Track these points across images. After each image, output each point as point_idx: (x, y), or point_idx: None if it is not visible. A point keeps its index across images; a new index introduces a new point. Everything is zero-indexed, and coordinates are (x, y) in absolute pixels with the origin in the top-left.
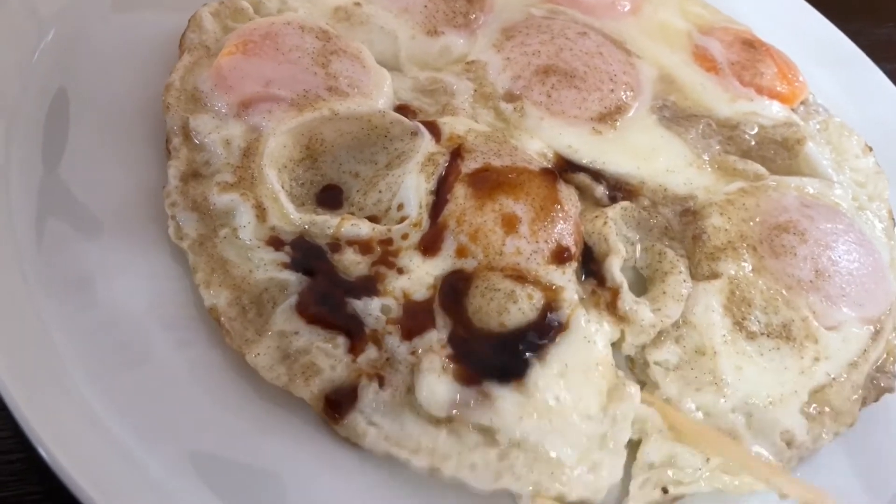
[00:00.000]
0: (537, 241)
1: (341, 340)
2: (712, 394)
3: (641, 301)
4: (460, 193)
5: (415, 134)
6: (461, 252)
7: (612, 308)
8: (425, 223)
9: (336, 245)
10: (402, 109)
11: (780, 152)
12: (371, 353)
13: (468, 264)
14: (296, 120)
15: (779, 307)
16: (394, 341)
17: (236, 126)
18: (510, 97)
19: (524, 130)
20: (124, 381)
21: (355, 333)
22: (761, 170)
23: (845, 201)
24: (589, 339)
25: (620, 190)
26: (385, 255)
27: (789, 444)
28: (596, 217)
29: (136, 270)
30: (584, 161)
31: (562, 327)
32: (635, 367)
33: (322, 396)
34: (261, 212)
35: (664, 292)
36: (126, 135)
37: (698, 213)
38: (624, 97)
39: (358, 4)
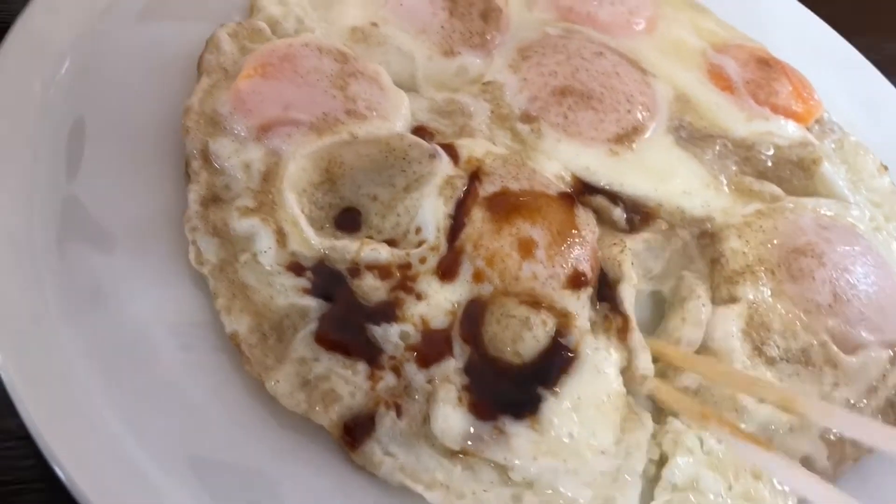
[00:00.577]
0: (554, 266)
1: (361, 367)
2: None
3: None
4: (477, 217)
5: (433, 156)
6: (478, 277)
7: (622, 335)
8: (443, 247)
9: (356, 270)
10: (420, 131)
11: (796, 173)
12: (390, 380)
13: (485, 290)
14: (315, 144)
15: (797, 332)
16: (412, 369)
17: (256, 150)
18: (527, 118)
19: (541, 152)
20: (144, 407)
21: (374, 360)
22: (778, 191)
23: (862, 222)
24: (599, 369)
25: (638, 213)
26: (404, 279)
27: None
28: (614, 245)
29: (156, 295)
30: (602, 183)
31: (572, 357)
32: None
33: (341, 424)
34: (281, 237)
35: (683, 319)
36: (146, 158)
37: (716, 235)
38: (641, 118)
39: (375, 25)
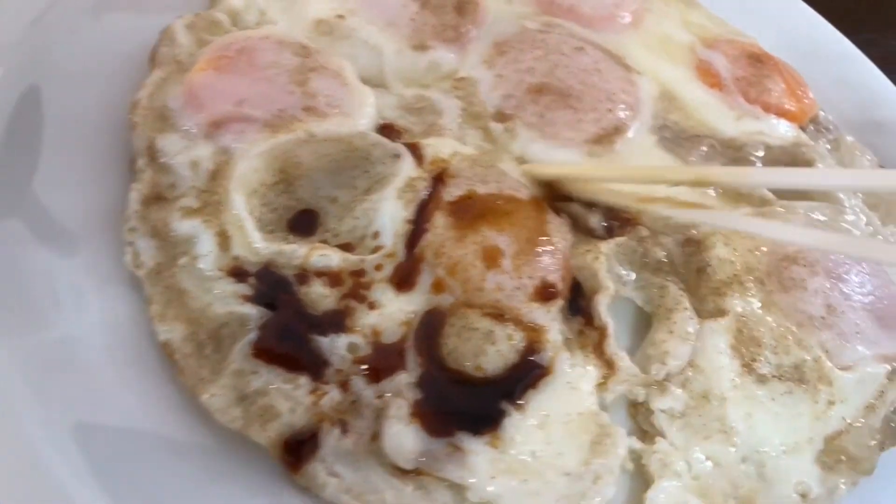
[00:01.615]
0: (521, 277)
1: (303, 381)
2: (721, 443)
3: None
4: (440, 223)
5: (397, 157)
6: (438, 287)
7: (599, 350)
8: (401, 254)
9: (303, 276)
10: (387, 129)
11: None
12: (335, 395)
13: (445, 300)
14: (269, 142)
15: (790, 346)
16: (360, 383)
17: (205, 147)
18: (501, 117)
19: (514, 153)
20: (72, 417)
21: (319, 374)
22: (768, 195)
23: (857, 227)
24: (573, 385)
25: (617, 219)
26: (356, 287)
27: (804, 496)
28: (587, 251)
29: (89, 299)
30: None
31: (544, 372)
32: (638, 414)
33: (281, 442)
34: (224, 240)
35: (671, 332)
36: (93, 154)
37: (702, 242)
38: (622, 117)
39: (341, 17)
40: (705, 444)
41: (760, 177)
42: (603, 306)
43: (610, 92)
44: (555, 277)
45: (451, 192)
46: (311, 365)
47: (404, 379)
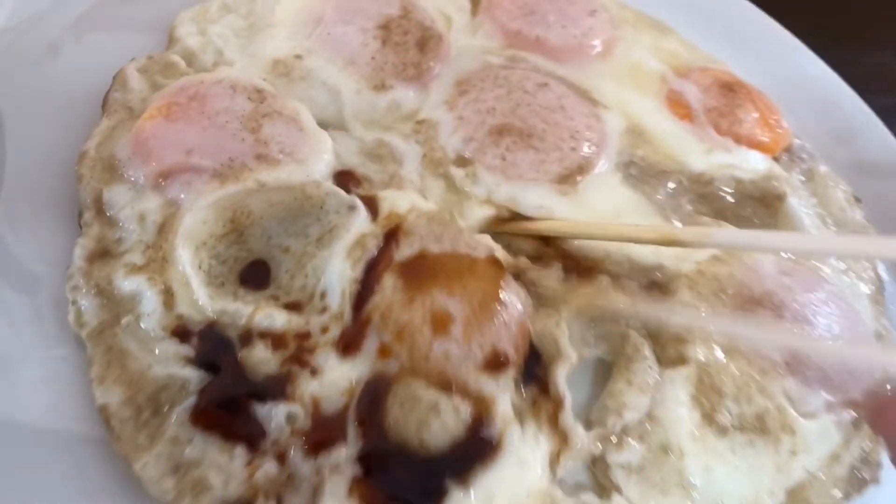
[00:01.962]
0: (469, 345)
1: (239, 451)
2: (679, 497)
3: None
4: (388, 284)
5: (352, 208)
6: (384, 352)
7: (553, 421)
8: (347, 316)
9: (247, 337)
10: (346, 176)
11: (758, 210)
12: (271, 468)
13: (390, 367)
14: (215, 193)
15: (752, 395)
16: (297, 457)
17: (153, 199)
18: (462, 161)
19: (480, 198)
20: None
21: (256, 444)
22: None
23: (828, 264)
24: (523, 461)
25: (576, 269)
26: (300, 351)
27: None
28: (548, 315)
29: (36, 358)
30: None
31: (492, 447)
32: (596, 468)
33: None
34: (169, 298)
35: (629, 382)
36: (40, 209)
37: (666, 287)
38: (586, 155)
39: (299, 57)
40: (663, 499)
41: (724, 238)
42: (561, 377)
43: (573, 129)
44: (507, 346)
45: (403, 251)
46: (248, 434)
47: (343, 453)
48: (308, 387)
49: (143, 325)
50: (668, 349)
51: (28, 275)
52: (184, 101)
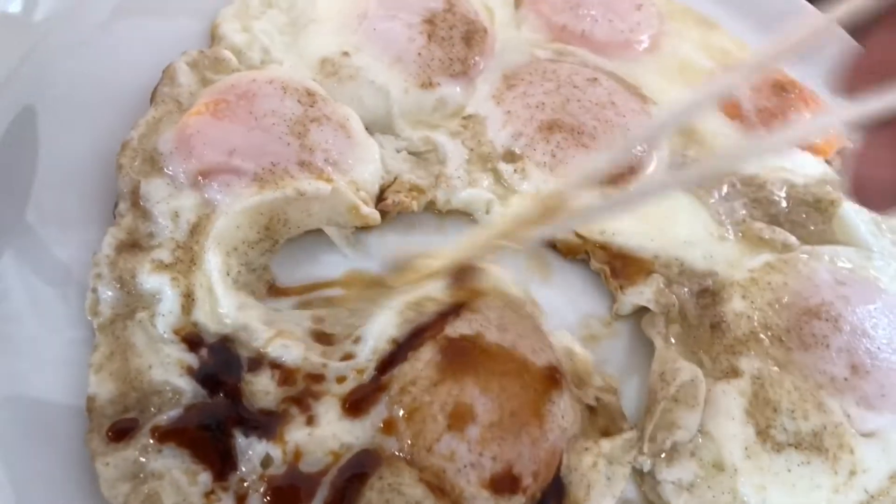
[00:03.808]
0: (481, 454)
1: (203, 478)
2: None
3: None
4: (424, 356)
5: None
6: (388, 427)
7: None
8: (368, 374)
9: (257, 362)
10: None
11: (812, 216)
12: None
13: (388, 445)
14: (253, 198)
15: (808, 412)
16: (255, 503)
17: (190, 197)
18: (510, 157)
19: (524, 195)
20: None
21: (223, 475)
22: (791, 239)
23: (886, 273)
24: None
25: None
26: (305, 393)
27: None
28: (586, 450)
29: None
30: (593, 231)
31: None
32: (644, 484)
33: None
34: (188, 302)
35: (676, 400)
36: (76, 194)
37: (717, 294)
38: (638, 154)
39: (346, 55)
40: None
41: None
42: None
43: (625, 126)
44: (525, 469)
45: (458, 326)
46: (219, 463)
47: None
48: (298, 434)
49: (156, 325)
50: (721, 360)
51: (58, 262)
52: (232, 99)
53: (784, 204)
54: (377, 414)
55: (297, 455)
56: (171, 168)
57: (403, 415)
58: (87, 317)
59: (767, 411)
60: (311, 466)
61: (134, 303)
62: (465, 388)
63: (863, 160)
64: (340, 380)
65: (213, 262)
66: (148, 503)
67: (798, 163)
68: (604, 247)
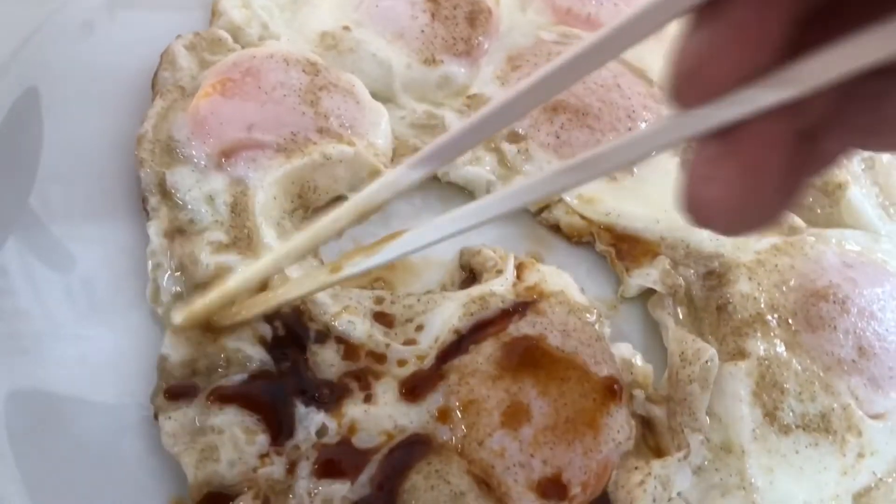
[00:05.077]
0: (533, 456)
1: (261, 440)
2: (740, 499)
3: None
4: (485, 351)
5: (500, 271)
6: (443, 416)
7: None
8: (429, 361)
9: (323, 335)
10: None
11: (819, 199)
12: (277, 470)
13: (440, 433)
14: (283, 167)
15: (816, 393)
16: (304, 470)
17: (219, 179)
18: (514, 137)
19: (526, 174)
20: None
21: (278, 440)
22: (798, 221)
23: (894, 256)
24: None
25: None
26: (366, 372)
27: None
28: (636, 468)
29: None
30: (598, 213)
31: None
32: None
33: (204, 489)
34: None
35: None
36: (99, 189)
37: (723, 276)
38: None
39: (347, 29)
40: (723, 501)
41: None
42: None
43: (630, 109)
44: (574, 479)
45: (521, 326)
46: (277, 427)
47: (343, 491)
48: (355, 409)
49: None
50: (728, 342)
51: (62, 256)
52: (238, 76)
53: None
54: (433, 401)
55: (352, 429)
56: (192, 153)
57: (459, 405)
58: (149, 304)
59: (775, 393)
60: (364, 443)
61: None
62: (524, 388)
63: (693, 178)
64: (401, 363)
65: (271, 236)
66: (206, 455)
67: None
68: (609, 228)
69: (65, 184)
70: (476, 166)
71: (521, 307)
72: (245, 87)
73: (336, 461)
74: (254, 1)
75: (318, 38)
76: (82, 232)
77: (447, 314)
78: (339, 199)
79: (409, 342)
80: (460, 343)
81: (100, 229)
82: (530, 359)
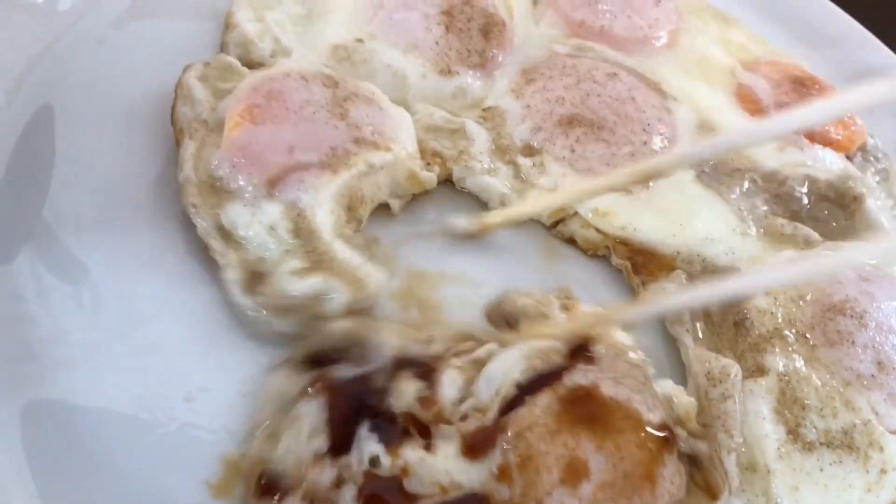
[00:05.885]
0: None
1: (320, 442)
2: None
3: None
4: (542, 403)
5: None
6: (503, 475)
7: None
8: (490, 417)
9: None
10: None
11: (834, 212)
12: (325, 479)
13: (500, 493)
14: (334, 183)
15: (837, 409)
16: (349, 493)
17: (272, 208)
18: (529, 151)
19: (543, 189)
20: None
21: (336, 451)
22: (813, 235)
23: None
24: None
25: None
26: (433, 420)
27: None
28: None
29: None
30: (613, 226)
31: None
32: None
33: (258, 465)
34: (358, 287)
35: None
36: (110, 202)
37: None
38: (658, 150)
39: (360, 41)
40: None
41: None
42: None
43: (645, 122)
44: None
45: (575, 377)
46: (341, 437)
47: None
48: (412, 455)
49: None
50: (746, 359)
51: (73, 265)
52: (262, 101)
53: (805, 200)
54: (493, 459)
55: (405, 471)
56: (238, 187)
57: (517, 461)
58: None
59: (796, 409)
60: (415, 487)
61: (304, 312)
62: (581, 443)
63: None
64: (463, 418)
65: (343, 249)
66: (269, 430)
67: (819, 158)
68: (625, 242)
69: (77, 196)
70: (493, 177)
71: (575, 352)
72: (273, 111)
73: (383, 499)
74: (267, 14)
75: (329, 52)
76: (93, 243)
77: (507, 364)
78: (382, 206)
79: (464, 399)
80: (520, 395)
81: (110, 240)
82: (585, 411)
